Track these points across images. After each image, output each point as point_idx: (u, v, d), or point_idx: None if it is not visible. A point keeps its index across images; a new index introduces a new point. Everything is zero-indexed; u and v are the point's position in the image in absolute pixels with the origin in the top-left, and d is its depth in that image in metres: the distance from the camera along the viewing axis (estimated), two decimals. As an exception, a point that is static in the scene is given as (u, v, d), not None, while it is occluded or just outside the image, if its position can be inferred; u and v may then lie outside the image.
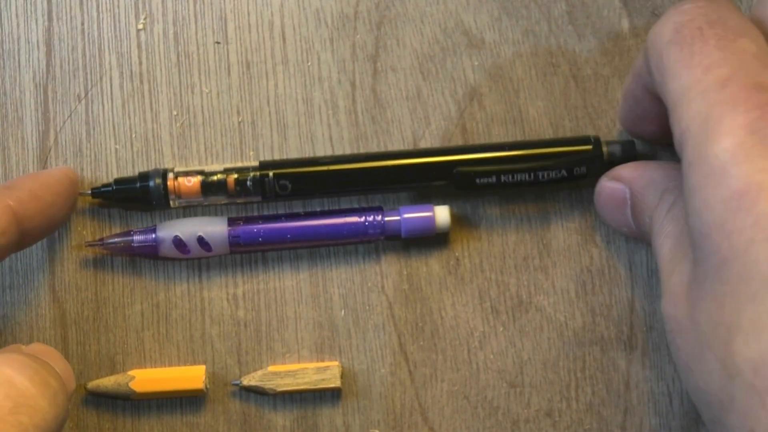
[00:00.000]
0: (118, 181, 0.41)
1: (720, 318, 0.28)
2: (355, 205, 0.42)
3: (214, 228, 0.41)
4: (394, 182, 0.41)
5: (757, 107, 0.29)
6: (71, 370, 0.37)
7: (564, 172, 0.40)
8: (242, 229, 0.41)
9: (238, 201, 0.42)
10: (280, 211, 0.42)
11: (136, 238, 0.41)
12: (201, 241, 0.41)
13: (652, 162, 0.38)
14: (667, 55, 0.32)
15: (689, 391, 0.31)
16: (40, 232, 0.39)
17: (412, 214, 0.41)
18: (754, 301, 0.27)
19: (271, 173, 0.41)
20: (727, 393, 0.27)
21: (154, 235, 0.41)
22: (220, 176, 0.41)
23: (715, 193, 0.28)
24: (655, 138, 0.38)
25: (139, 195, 0.41)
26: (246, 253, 0.42)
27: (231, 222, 0.41)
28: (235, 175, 0.41)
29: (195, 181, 0.41)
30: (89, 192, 0.41)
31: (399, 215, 0.41)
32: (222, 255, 0.42)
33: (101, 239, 0.41)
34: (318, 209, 0.42)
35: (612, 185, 0.39)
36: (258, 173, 0.41)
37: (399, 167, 0.41)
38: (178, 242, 0.41)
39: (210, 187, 0.41)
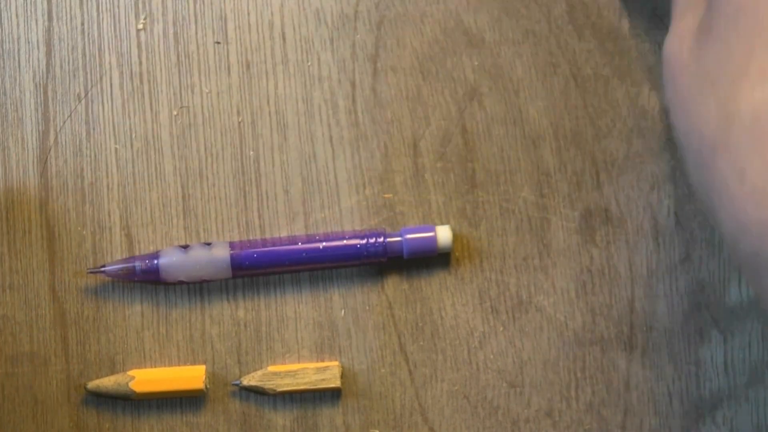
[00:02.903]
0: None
1: (728, 62, 0.28)
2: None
3: (216, 266, 0.41)
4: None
5: None
6: None
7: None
8: (245, 255, 0.41)
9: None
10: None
11: (138, 265, 0.41)
12: (203, 280, 0.41)
13: None
14: None
15: (680, 132, 0.31)
16: None
17: (414, 235, 0.41)
18: (766, 51, 0.27)
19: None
20: (723, 135, 0.28)
21: (156, 262, 0.41)
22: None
23: None
24: None
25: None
26: (248, 276, 0.42)
27: (233, 247, 0.41)
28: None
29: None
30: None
31: (401, 236, 0.41)
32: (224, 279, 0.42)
33: (102, 266, 0.41)
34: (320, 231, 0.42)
35: None
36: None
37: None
38: (182, 282, 0.41)
39: None
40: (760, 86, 0.27)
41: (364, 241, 0.41)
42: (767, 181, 0.26)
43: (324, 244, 0.41)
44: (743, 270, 0.29)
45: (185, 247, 0.41)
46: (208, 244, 0.41)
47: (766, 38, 0.27)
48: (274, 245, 0.41)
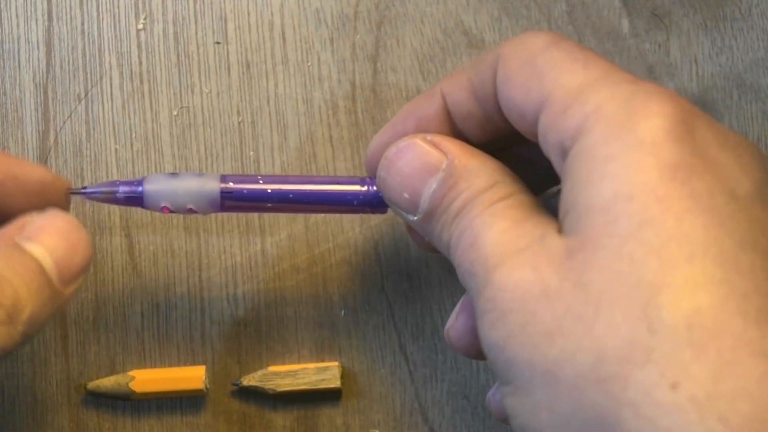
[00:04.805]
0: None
1: (639, 276, 0.28)
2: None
3: (203, 197, 0.37)
4: None
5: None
6: (83, 237, 0.33)
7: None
8: (235, 184, 0.37)
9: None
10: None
11: (122, 189, 0.37)
12: (190, 210, 0.38)
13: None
14: (546, 56, 0.31)
15: (539, 369, 0.29)
16: None
17: None
18: (690, 262, 0.27)
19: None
20: (643, 347, 0.27)
21: (141, 189, 0.37)
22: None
23: (642, 164, 0.28)
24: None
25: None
26: (237, 212, 0.40)
27: (224, 180, 0.37)
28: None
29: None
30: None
31: None
32: (213, 214, 0.38)
33: (84, 187, 0.37)
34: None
35: (428, 148, 0.33)
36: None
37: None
38: (166, 208, 0.37)
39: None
40: (690, 295, 0.27)
41: (365, 188, 0.38)
42: (710, 387, 0.26)
43: (321, 186, 0.38)
44: None
45: (174, 174, 0.38)
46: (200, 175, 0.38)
47: (687, 251, 0.27)
48: (268, 182, 0.38)
